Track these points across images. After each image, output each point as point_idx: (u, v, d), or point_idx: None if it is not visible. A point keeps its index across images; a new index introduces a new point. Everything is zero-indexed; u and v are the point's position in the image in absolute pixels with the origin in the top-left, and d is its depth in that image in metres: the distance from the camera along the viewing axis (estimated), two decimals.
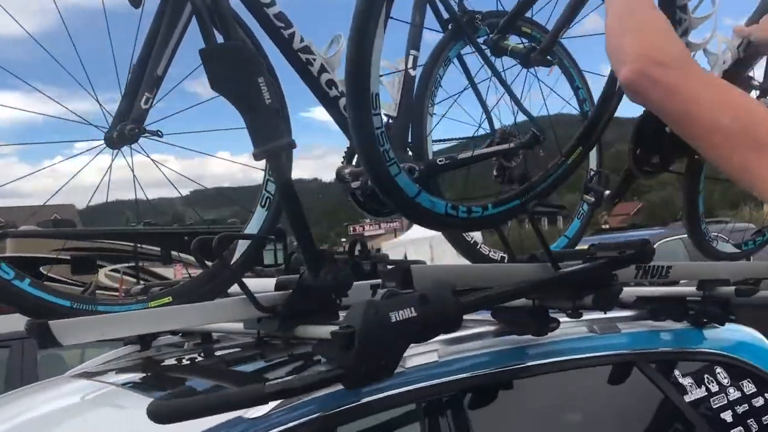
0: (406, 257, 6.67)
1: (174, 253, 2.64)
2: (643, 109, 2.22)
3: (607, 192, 2.36)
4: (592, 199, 2.24)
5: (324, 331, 1.66)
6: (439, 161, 2.17)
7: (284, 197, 1.77)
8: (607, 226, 11.65)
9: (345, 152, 2.15)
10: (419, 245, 14.85)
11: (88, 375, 2.37)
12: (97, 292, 2.04)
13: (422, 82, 2.24)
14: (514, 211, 1.99)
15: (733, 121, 1.11)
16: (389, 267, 1.77)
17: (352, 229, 32.62)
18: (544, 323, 1.96)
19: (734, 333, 2.66)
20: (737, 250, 2.73)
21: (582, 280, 1.84)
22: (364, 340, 1.33)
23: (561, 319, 1.99)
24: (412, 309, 1.40)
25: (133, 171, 1.70)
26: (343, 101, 2.00)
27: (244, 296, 1.79)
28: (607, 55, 1.40)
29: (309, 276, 1.82)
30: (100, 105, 1.68)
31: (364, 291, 1.99)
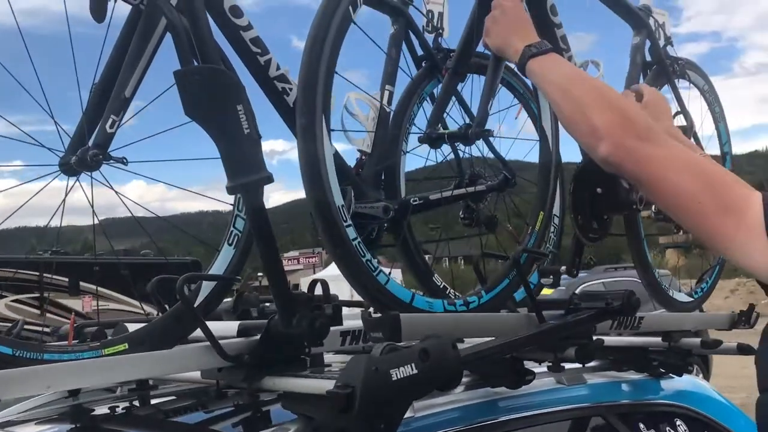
0: None
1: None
2: (574, 176, 2.25)
3: (563, 268, 2.34)
4: (551, 280, 2.21)
5: (303, 385, 1.52)
6: (413, 201, 2.08)
7: (259, 236, 1.62)
8: None
9: None
10: (338, 282, 14.65)
11: (10, 425, 2.11)
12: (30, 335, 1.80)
13: (396, 119, 2.15)
14: (507, 290, 1.97)
15: (703, 187, 1.17)
16: (375, 315, 1.64)
17: None
18: (521, 375, 1.89)
19: (686, 383, 2.68)
20: (690, 299, 2.75)
21: (569, 332, 1.77)
22: (366, 401, 1.19)
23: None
24: (413, 365, 1.28)
25: (92, 205, 1.51)
26: None
27: (207, 343, 1.62)
28: (571, 134, 1.41)
29: (280, 322, 1.67)
30: (56, 124, 1.49)
31: (333, 338, 1.86)
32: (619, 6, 2.71)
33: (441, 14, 2.26)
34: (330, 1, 1.66)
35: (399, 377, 1.25)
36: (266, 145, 1.62)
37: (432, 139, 2.03)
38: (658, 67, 2.82)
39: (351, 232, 1.65)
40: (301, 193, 1.75)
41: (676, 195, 1.20)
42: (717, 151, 3.15)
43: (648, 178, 1.23)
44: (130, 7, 1.67)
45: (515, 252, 1.92)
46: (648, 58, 2.83)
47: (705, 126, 3.06)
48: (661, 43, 2.87)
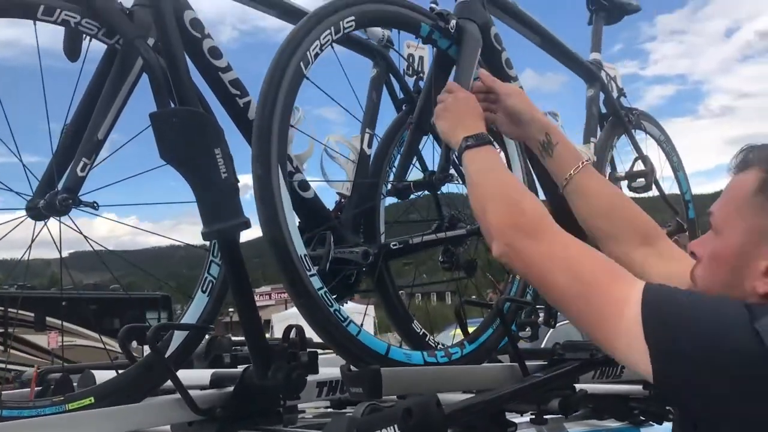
0: None
1: None
2: None
3: (541, 318, 2.30)
4: (529, 333, 2.18)
5: None
6: (393, 245, 2.04)
7: (235, 283, 1.56)
8: None
9: None
10: None
11: None
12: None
13: (376, 162, 2.12)
14: (492, 341, 1.94)
15: (580, 291, 1.15)
16: (352, 369, 1.57)
17: None
18: (503, 427, 1.83)
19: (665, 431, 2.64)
20: None
21: (554, 385, 1.72)
22: None
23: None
24: (396, 427, 1.22)
25: (60, 249, 1.44)
26: (298, 177, 1.84)
27: (178, 396, 1.54)
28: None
29: (255, 373, 1.60)
30: (24, 167, 1.43)
31: (309, 389, 1.79)
32: (570, 61, 2.77)
33: (422, 58, 2.25)
34: (281, 57, 1.59)
35: None
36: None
37: (399, 191, 2.01)
38: (614, 118, 2.88)
39: (316, 282, 1.58)
40: None
41: (557, 297, 1.20)
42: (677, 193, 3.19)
43: (532, 277, 1.25)
44: (105, 46, 1.63)
45: (498, 301, 1.88)
46: (603, 109, 2.90)
47: (664, 174, 3.10)
48: (615, 94, 2.93)
